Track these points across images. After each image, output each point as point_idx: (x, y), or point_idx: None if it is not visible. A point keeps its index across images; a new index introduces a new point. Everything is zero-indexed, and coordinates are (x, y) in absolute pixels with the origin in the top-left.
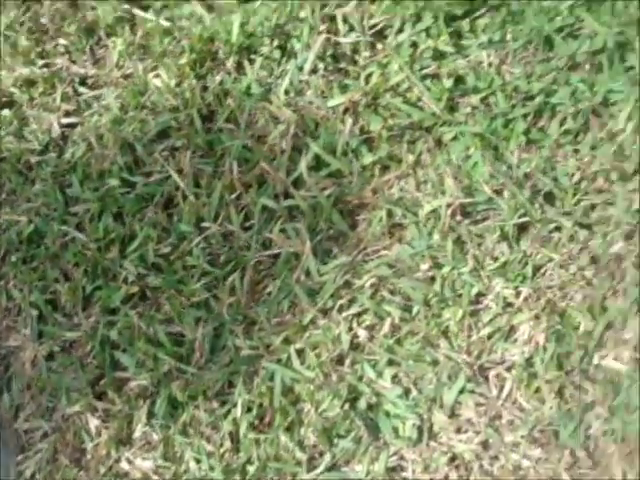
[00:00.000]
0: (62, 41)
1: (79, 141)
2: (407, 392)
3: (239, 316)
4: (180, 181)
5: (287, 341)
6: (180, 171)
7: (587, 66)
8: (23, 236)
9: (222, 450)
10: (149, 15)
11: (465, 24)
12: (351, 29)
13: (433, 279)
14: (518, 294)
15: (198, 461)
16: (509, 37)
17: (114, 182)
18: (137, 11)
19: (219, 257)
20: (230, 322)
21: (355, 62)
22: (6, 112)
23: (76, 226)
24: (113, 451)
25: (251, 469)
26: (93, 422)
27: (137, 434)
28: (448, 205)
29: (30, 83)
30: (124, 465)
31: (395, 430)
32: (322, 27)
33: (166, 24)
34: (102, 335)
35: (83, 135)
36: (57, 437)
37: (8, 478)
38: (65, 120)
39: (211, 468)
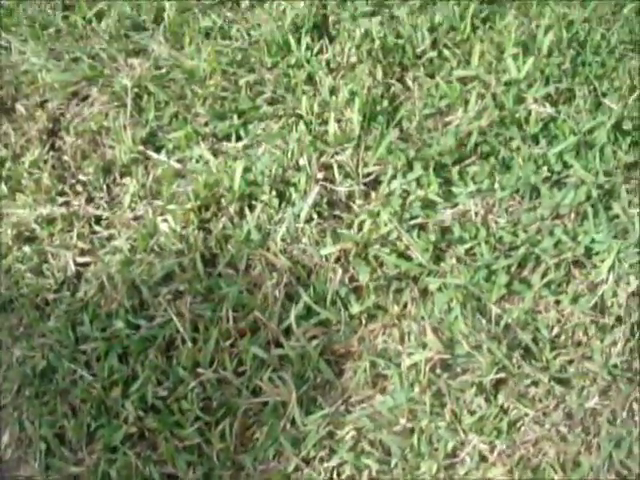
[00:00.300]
0: (82, 177)
1: (92, 280)
2: None
3: (228, 462)
4: (180, 326)
5: None
6: (181, 315)
7: (572, 215)
8: (37, 371)
9: None
10: (162, 157)
11: (455, 173)
12: (347, 176)
13: (412, 431)
14: (493, 449)
15: None
16: (497, 186)
17: (120, 324)
18: (151, 153)
19: (212, 402)
20: (219, 467)
21: (349, 209)
22: (27, 248)
23: (85, 364)
24: None
25: None
26: None
27: None
28: (428, 360)
29: (50, 221)
30: None
31: None
32: (319, 175)
33: (177, 166)
34: (103, 472)
35: (96, 274)
36: None
37: None
38: (80, 259)
39: None
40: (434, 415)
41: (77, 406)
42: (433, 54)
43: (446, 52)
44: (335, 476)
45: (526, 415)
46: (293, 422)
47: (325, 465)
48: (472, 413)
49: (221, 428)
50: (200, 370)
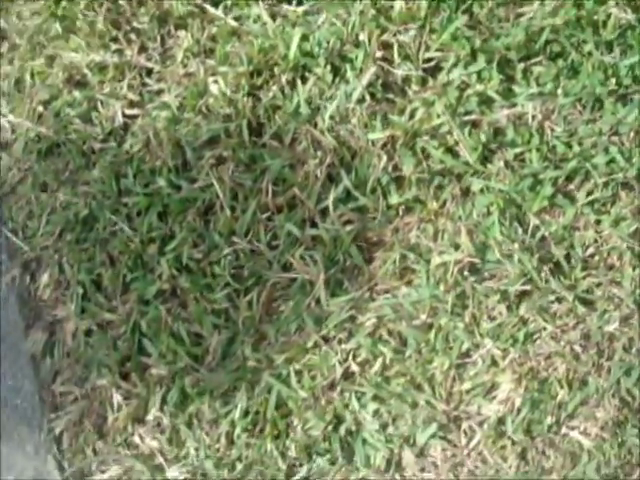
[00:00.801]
0: (136, 25)
1: (138, 134)
2: (384, 427)
3: (252, 329)
4: (220, 192)
5: (289, 360)
6: (222, 181)
7: (631, 134)
8: (79, 217)
9: (218, 445)
10: (219, 12)
11: (519, 70)
12: (406, 58)
13: (430, 327)
14: (505, 356)
15: (197, 450)
16: (559, 91)
17: (162, 182)
18: (208, 7)
19: (243, 270)
20: (243, 333)
21: (404, 93)
22: (77, 94)
23: (125, 216)
24: (129, 426)
25: (239, 467)
26: (116, 398)
27: (150, 416)
28: (457, 261)
29: (102, 68)
30: (136, 440)
31: (367, 458)
32: (378, 54)
33: (233, 24)
34: (134, 322)
35: (142, 129)
36: (85, 404)
37: None
38: (128, 111)
39: (207, 457)
40: (454, 315)
41: (115, 257)
42: None
43: None
44: (351, 357)
45: (544, 329)
46: (318, 301)
47: (343, 346)
48: (492, 319)
49: (249, 297)
50: (235, 239)
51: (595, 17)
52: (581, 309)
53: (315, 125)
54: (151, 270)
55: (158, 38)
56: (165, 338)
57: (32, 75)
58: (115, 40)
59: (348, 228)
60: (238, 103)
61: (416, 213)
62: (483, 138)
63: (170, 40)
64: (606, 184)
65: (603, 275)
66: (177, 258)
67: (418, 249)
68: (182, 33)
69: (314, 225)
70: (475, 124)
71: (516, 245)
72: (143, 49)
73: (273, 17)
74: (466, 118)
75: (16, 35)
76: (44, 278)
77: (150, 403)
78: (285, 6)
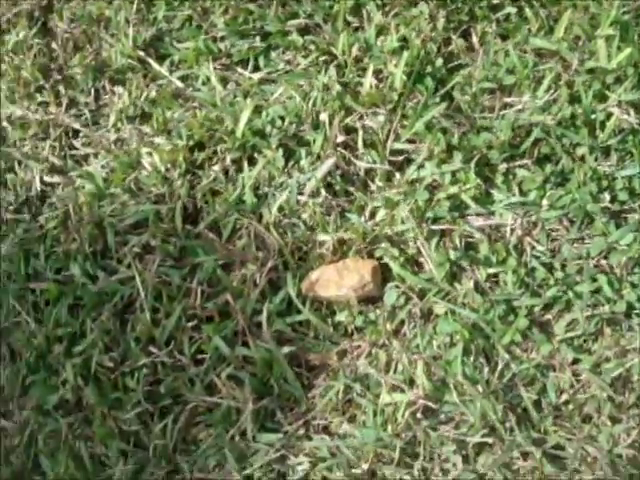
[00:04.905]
0: (68, 74)
1: (56, 206)
2: None
3: (164, 460)
4: (142, 288)
5: None
6: (145, 275)
7: (623, 260)
8: None
9: None
10: (164, 69)
11: (499, 173)
12: (372, 147)
13: (373, 475)
14: None
15: None
16: (545, 202)
17: (76, 270)
18: (152, 61)
19: (160, 387)
20: (154, 464)
21: (365, 189)
22: None
23: (32, 305)
24: None
25: None
26: None
27: None
28: (411, 403)
29: (24, 123)
30: None
31: None
32: (339, 139)
33: (178, 84)
34: (30, 434)
35: (62, 201)
36: None
37: None
38: (48, 178)
39: None
40: (402, 466)
41: (17, 352)
42: (512, 9)
43: (528, 11)
44: None
45: None
46: (244, 433)
47: None
48: (445, 472)
49: (165, 421)
50: (153, 348)
51: (592, 116)
52: (548, 468)
53: (260, 218)
54: (55, 372)
55: (92, 92)
56: (64, 458)
57: None
58: (41, 89)
59: (285, 349)
60: (173, 182)
61: (367, 335)
62: (452, 253)
63: (105, 96)
64: (589, 318)
65: (577, 428)
66: (85, 363)
67: (366, 380)
68: (119, 89)
69: (246, 342)
70: (444, 234)
71: (479, 387)
72: (73, 103)
73: (224, 82)
74: (434, 227)
75: None
76: None
77: None
78: (240, 70)
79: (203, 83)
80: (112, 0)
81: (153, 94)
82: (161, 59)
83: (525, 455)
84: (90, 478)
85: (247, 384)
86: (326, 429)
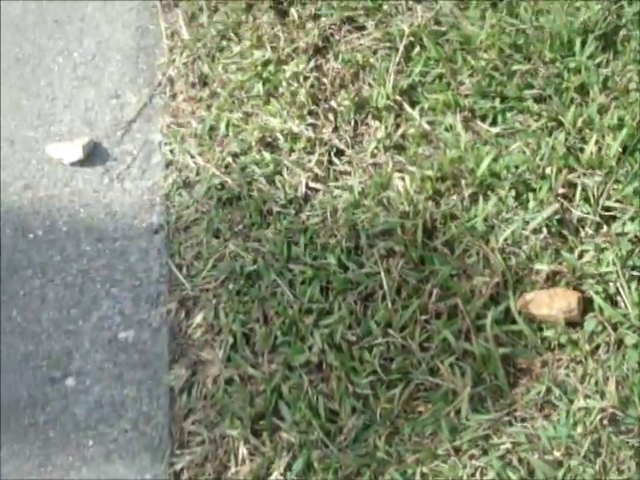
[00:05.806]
0: (334, 105)
1: (317, 208)
2: None
3: (388, 422)
4: (385, 283)
5: (418, 461)
6: (389, 273)
7: None
8: (244, 271)
9: None
10: (415, 113)
11: None
12: (586, 201)
13: (560, 465)
14: None
15: None
16: None
17: (332, 259)
18: (406, 105)
19: (391, 364)
20: (379, 423)
21: (577, 234)
22: (267, 154)
23: (289, 282)
24: None
25: None
26: (243, 451)
27: (272, 478)
28: (601, 409)
29: (295, 137)
30: None
31: None
32: (561, 190)
33: (426, 127)
34: (276, 384)
35: (322, 204)
36: (211, 448)
37: None
38: (312, 184)
39: None
40: (587, 460)
41: (270, 316)
42: None
43: None
44: (478, 474)
45: None
46: (458, 412)
47: (473, 462)
48: (620, 472)
49: (392, 390)
50: (390, 331)
51: None
52: None
53: (487, 242)
54: (302, 339)
55: (352, 122)
56: (303, 407)
57: (227, 126)
58: (312, 114)
59: (501, 350)
60: (419, 204)
61: (567, 351)
62: None
63: (362, 127)
64: None
65: None
66: (330, 334)
67: (564, 386)
68: (376, 123)
69: (468, 338)
70: None
71: None
72: (336, 129)
73: (465, 130)
74: (634, 272)
75: (218, 85)
76: (198, 318)
77: (274, 465)
78: (479, 123)
79: (446, 129)
80: (377, 50)
81: (406, 130)
82: (413, 104)
83: None
84: (323, 426)
85: (467, 372)
86: (524, 421)
